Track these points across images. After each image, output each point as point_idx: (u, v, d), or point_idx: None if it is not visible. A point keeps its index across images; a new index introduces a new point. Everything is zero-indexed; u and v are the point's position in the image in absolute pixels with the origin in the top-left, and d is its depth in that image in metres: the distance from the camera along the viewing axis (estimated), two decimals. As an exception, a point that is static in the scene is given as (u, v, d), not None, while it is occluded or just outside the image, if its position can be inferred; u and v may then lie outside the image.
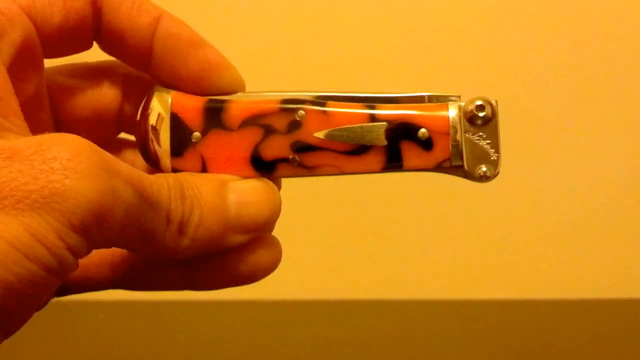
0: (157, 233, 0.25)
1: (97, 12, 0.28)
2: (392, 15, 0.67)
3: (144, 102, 0.29)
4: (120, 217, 0.23)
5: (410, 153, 0.29)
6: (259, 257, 0.28)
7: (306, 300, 0.66)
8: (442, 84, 0.65)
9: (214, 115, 0.29)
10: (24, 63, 0.27)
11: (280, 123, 0.29)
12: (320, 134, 0.28)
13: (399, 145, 0.29)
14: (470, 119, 0.29)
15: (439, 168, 0.29)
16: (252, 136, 0.29)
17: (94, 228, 0.22)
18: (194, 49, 0.28)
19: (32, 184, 0.21)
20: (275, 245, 0.29)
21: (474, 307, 0.63)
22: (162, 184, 0.25)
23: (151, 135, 0.29)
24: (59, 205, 0.21)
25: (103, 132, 0.31)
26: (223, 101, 0.29)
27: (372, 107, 0.29)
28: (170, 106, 0.29)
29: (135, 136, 0.30)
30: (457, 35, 0.66)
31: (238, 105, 0.29)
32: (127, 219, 0.23)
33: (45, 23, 0.27)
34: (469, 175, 0.29)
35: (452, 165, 0.29)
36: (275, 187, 0.28)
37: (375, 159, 0.29)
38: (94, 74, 0.31)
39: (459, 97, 0.29)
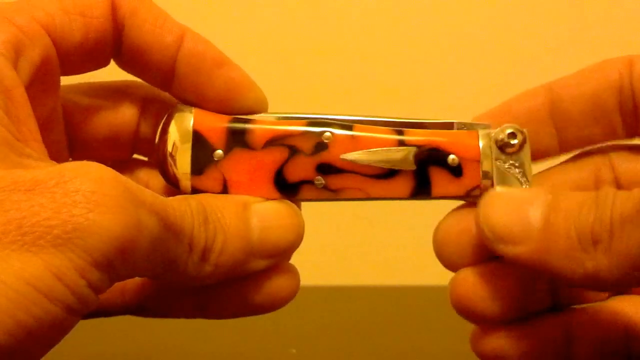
0: (180, 261, 0.24)
1: (117, 29, 0.27)
2: (410, 36, 0.66)
3: (162, 124, 0.28)
4: (145, 249, 0.22)
5: (439, 179, 0.28)
6: (276, 285, 0.27)
7: (302, 286, 0.66)
8: (461, 107, 0.64)
9: (238, 134, 0.28)
10: (42, 83, 0.26)
11: (305, 144, 0.28)
12: (347, 156, 0.28)
13: (428, 170, 0.28)
14: (502, 147, 0.28)
15: (467, 196, 0.28)
16: (276, 156, 0.28)
17: (118, 263, 0.21)
18: (219, 68, 0.28)
19: (54, 219, 0.20)
20: (292, 272, 0.28)
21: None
22: (185, 210, 0.24)
23: (169, 160, 0.28)
24: (82, 241, 0.20)
25: (118, 152, 0.30)
26: (247, 120, 0.28)
27: (400, 132, 0.28)
28: (193, 124, 0.28)
29: (154, 157, 0.29)
30: (475, 57, 0.66)
31: (263, 125, 0.28)
32: (152, 250, 0.22)
33: (65, 41, 0.26)
34: None
35: (482, 194, 0.28)
36: (299, 211, 0.27)
37: (403, 183, 0.28)
38: (111, 93, 0.30)
39: (489, 125, 0.29)
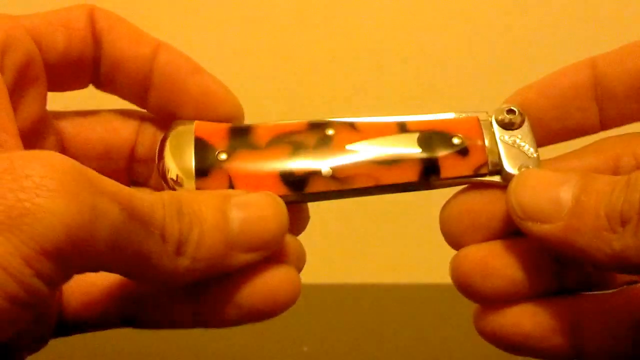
0: (153, 254, 0.22)
1: (97, 42, 0.28)
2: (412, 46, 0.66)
3: (158, 147, 0.28)
4: (105, 239, 0.20)
5: (446, 159, 0.28)
6: (271, 284, 0.26)
7: (314, 284, 0.66)
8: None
9: (241, 135, 0.28)
10: (27, 86, 0.26)
11: (309, 139, 0.28)
12: (352, 146, 0.28)
13: (434, 152, 0.28)
14: (503, 124, 0.28)
15: (476, 175, 0.28)
16: (281, 152, 0.27)
17: (70, 252, 0.19)
18: (194, 76, 0.28)
19: None
20: (289, 269, 0.26)
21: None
22: (156, 201, 0.23)
23: (168, 166, 0.27)
24: (29, 227, 0.18)
25: (113, 170, 0.30)
26: (248, 125, 0.28)
27: (402, 121, 0.28)
28: (195, 131, 0.28)
29: (155, 168, 0.28)
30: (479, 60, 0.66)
31: (265, 126, 0.28)
32: (114, 241, 0.20)
33: (49, 49, 0.27)
34: (509, 177, 0.27)
35: (490, 170, 0.28)
36: (282, 201, 0.26)
37: (411, 167, 0.28)
38: (107, 115, 0.30)
39: (486, 112, 0.29)
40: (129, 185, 0.28)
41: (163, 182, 0.27)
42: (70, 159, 0.20)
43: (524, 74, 0.63)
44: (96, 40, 0.28)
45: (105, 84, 0.29)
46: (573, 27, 0.65)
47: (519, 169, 0.28)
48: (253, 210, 0.25)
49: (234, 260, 0.25)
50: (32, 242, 0.19)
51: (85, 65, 0.29)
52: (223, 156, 0.27)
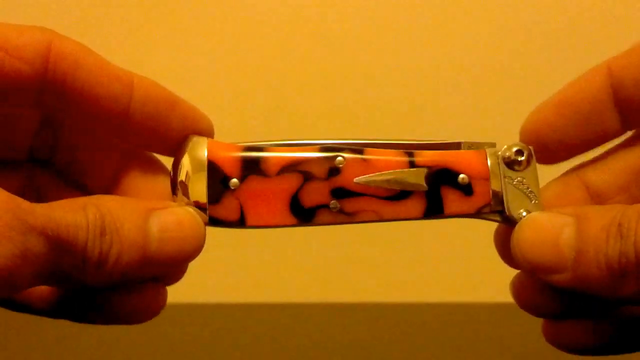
0: (73, 271, 0.24)
1: (53, 79, 0.26)
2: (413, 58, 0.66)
3: (175, 155, 0.29)
4: (31, 271, 0.23)
5: (450, 198, 0.29)
6: (146, 296, 0.27)
7: (304, 303, 0.66)
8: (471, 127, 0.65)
9: (252, 162, 0.29)
10: None
11: (319, 169, 0.28)
12: (360, 180, 0.28)
13: (440, 190, 0.29)
14: (509, 163, 0.29)
15: (479, 214, 0.29)
16: (291, 182, 0.28)
17: (1, 288, 0.22)
18: (174, 109, 0.28)
19: None
20: (160, 289, 0.28)
21: (473, 310, 0.63)
22: (81, 223, 0.24)
23: (183, 190, 0.28)
24: None
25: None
26: (260, 148, 0.29)
27: (411, 154, 0.29)
28: (207, 154, 0.28)
29: (171, 188, 0.29)
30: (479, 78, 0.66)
31: (276, 152, 0.29)
32: (38, 270, 0.23)
33: None
34: (509, 220, 0.29)
35: (492, 211, 0.29)
36: (201, 221, 0.27)
37: (416, 204, 0.29)
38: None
39: (494, 144, 0.30)
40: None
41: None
42: (4, 194, 0.22)
43: (529, 88, 0.64)
44: (55, 76, 0.27)
45: (78, 117, 0.28)
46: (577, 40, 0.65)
47: (519, 215, 0.29)
48: (173, 230, 0.26)
49: (146, 273, 0.26)
50: None
51: (24, 97, 0.27)
52: (234, 182, 0.28)
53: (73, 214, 0.24)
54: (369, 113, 0.66)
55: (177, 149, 0.29)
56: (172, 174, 0.29)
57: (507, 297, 0.31)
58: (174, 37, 0.66)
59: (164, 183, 0.29)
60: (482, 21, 0.66)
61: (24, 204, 0.23)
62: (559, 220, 0.27)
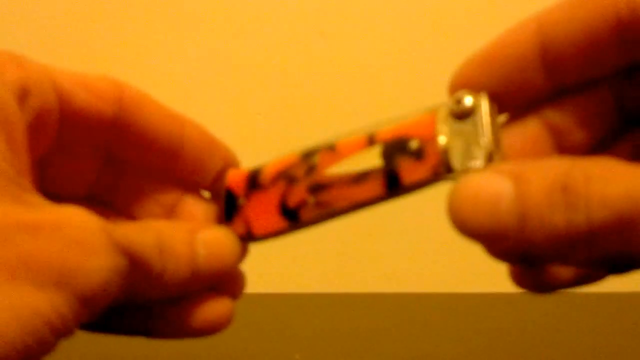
0: (139, 287, 0.27)
1: (120, 117, 0.30)
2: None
3: (216, 187, 0.32)
4: (118, 287, 0.25)
5: (404, 167, 0.27)
6: (212, 311, 0.30)
7: (306, 294, 0.67)
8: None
9: (253, 180, 0.31)
10: (38, 131, 0.28)
11: (299, 171, 0.29)
12: (327, 171, 0.29)
13: (394, 162, 0.27)
14: (459, 115, 0.26)
15: (437, 177, 0.26)
16: (279, 188, 0.30)
17: (100, 301, 0.24)
18: (217, 151, 0.32)
19: (53, 261, 0.23)
20: (227, 300, 0.30)
21: (473, 300, 0.63)
22: (147, 244, 0.26)
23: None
24: (75, 281, 0.23)
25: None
26: (260, 167, 0.31)
27: (372, 132, 0.28)
28: (226, 181, 0.32)
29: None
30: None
31: (270, 164, 0.31)
32: (121, 286, 0.25)
33: (69, 106, 0.28)
34: (456, 177, 0.26)
35: (449, 170, 0.26)
36: (236, 238, 0.30)
37: (375, 182, 0.27)
38: None
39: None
40: None
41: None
42: (95, 217, 0.24)
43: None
44: (122, 114, 0.30)
45: (129, 153, 0.31)
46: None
47: (463, 168, 0.26)
48: (215, 247, 0.29)
49: (195, 286, 0.29)
50: (78, 294, 0.23)
51: (100, 131, 0.30)
52: (242, 201, 0.31)
53: (140, 234, 0.27)
54: (369, 113, 0.66)
55: (217, 180, 0.32)
56: (215, 200, 0.32)
57: (506, 288, 0.30)
58: (174, 37, 0.67)
59: (204, 209, 0.33)
60: (485, 22, 0.66)
61: (110, 225, 0.25)
62: (496, 183, 0.23)
